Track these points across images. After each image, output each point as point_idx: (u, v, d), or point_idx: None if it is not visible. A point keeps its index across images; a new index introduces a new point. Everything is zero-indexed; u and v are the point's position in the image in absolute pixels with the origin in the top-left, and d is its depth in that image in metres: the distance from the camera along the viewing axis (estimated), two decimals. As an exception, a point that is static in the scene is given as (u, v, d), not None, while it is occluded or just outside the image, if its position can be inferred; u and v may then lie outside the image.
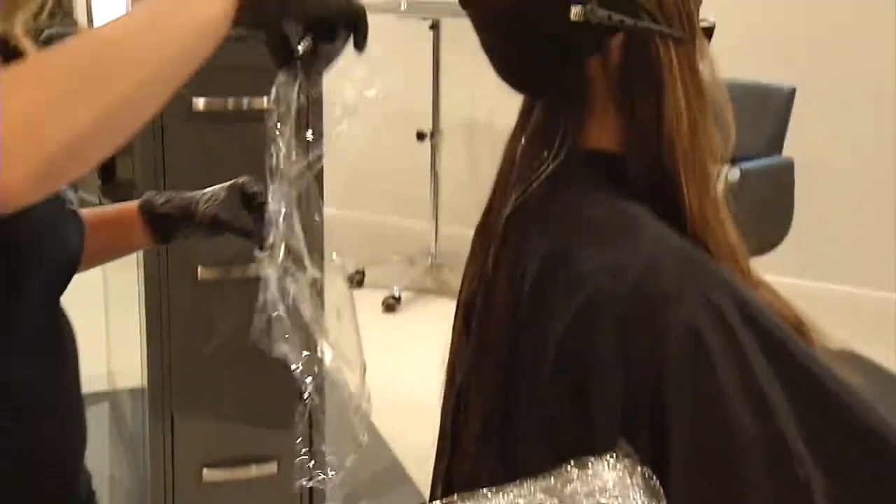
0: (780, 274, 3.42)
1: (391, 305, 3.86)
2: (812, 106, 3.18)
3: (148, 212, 1.21)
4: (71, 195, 1.04)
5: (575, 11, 0.94)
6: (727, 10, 3.51)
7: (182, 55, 0.79)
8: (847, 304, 3.69)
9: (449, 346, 1.13)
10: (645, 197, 0.99)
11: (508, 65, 1.03)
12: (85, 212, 1.10)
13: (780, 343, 0.93)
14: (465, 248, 1.14)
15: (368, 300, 3.92)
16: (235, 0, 0.81)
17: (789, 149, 2.75)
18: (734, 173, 2.54)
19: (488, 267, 1.06)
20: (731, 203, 2.56)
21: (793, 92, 2.73)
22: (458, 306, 1.12)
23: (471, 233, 1.11)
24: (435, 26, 3.80)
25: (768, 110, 2.71)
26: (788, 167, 2.75)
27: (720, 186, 1.05)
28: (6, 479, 0.97)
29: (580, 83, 0.99)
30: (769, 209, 2.73)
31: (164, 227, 1.21)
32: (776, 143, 2.72)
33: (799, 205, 2.81)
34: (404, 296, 3.92)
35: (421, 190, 4.12)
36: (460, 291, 1.12)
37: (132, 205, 1.22)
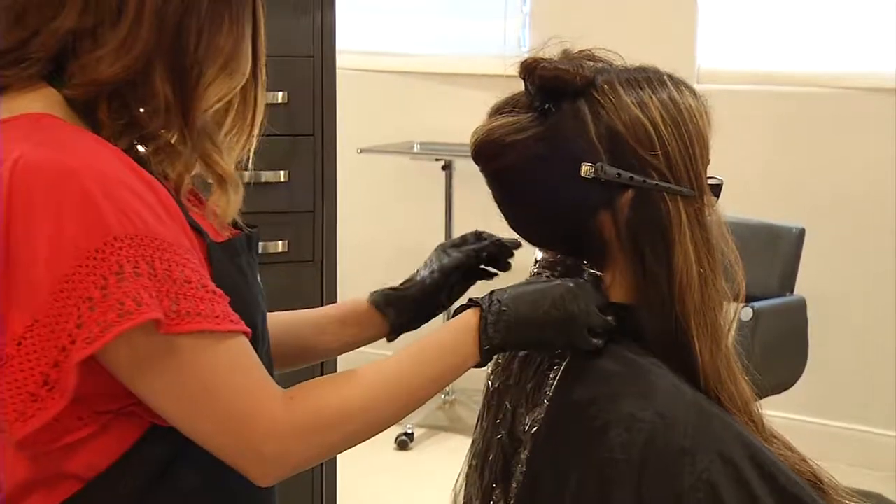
0: (796, 412, 3.40)
1: (404, 442, 3.81)
2: (822, 246, 3.20)
3: (379, 299, 1.20)
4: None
5: (585, 169, 0.97)
6: (741, 154, 3.56)
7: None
8: (866, 445, 3.63)
9: (461, 487, 1.12)
10: (658, 348, 1.00)
11: (520, 219, 1.05)
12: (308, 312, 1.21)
13: (797, 499, 0.92)
14: (478, 385, 1.14)
15: (381, 437, 3.84)
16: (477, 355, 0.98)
17: (801, 288, 2.75)
18: (746, 312, 2.54)
19: (504, 415, 1.06)
20: (746, 342, 2.53)
21: (802, 232, 2.75)
22: (472, 454, 1.12)
23: (483, 370, 1.11)
24: (447, 167, 3.88)
25: (779, 250, 2.72)
26: (801, 306, 2.75)
27: (732, 331, 1.05)
28: None
29: (591, 237, 1.00)
30: (783, 348, 2.72)
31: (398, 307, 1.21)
32: (787, 283, 2.72)
33: (813, 343, 2.80)
34: (417, 433, 3.88)
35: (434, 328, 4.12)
36: (474, 431, 1.12)
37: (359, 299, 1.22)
